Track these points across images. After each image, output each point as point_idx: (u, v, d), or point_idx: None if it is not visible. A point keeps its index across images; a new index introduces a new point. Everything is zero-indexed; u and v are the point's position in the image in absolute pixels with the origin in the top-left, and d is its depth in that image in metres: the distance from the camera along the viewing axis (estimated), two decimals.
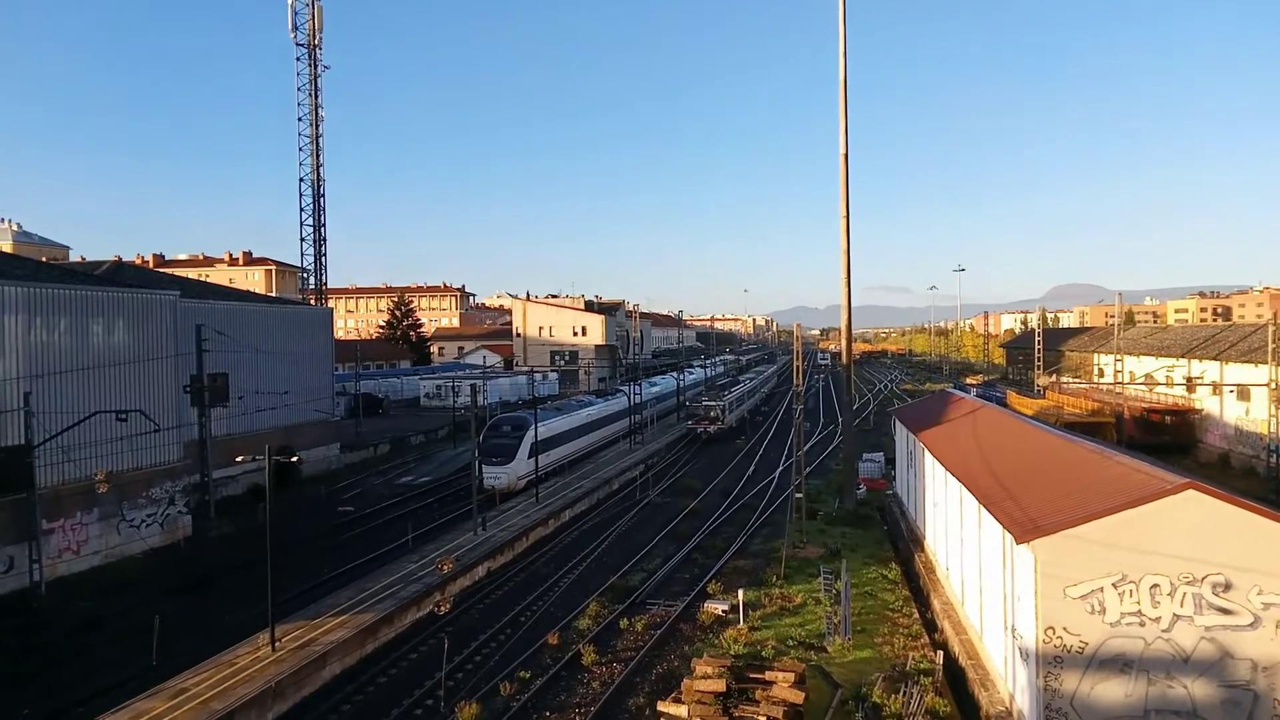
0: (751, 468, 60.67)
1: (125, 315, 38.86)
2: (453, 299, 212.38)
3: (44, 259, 67.33)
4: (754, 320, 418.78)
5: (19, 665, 26.58)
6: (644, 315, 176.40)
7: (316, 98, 72.58)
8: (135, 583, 34.78)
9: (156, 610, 28.59)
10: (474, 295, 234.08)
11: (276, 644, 25.42)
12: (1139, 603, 18.11)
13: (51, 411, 34.00)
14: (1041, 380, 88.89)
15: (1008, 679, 21.12)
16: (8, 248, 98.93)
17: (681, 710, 21.42)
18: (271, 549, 25.82)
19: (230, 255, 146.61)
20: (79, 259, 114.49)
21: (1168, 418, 64.40)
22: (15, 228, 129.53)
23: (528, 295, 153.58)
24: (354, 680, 25.45)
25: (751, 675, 23.10)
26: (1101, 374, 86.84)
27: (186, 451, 42.48)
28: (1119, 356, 72.41)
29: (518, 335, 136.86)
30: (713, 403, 75.89)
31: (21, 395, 33.15)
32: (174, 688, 22.81)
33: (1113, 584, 18.12)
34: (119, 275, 51.11)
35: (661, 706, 21.93)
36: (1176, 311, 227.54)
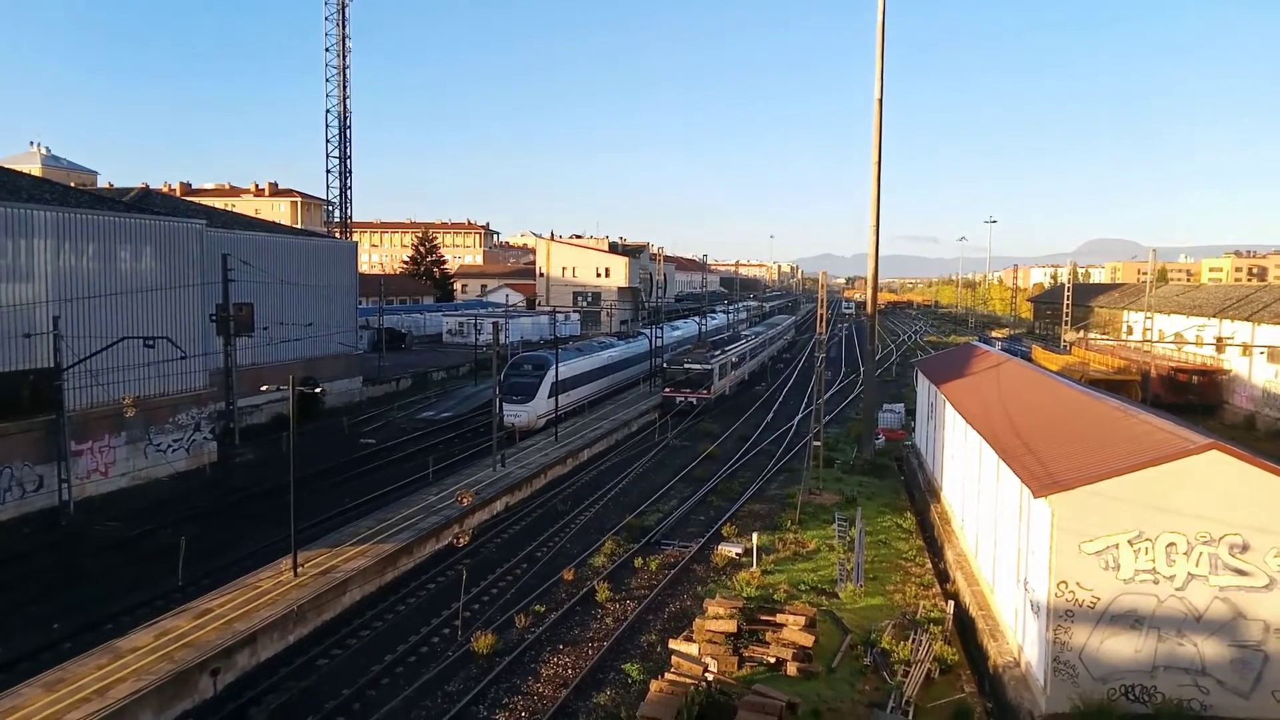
0: (770, 415, 60.75)
1: (153, 242, 39.07)
2: (477, 236, 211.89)
3: (72, 184, 67.64)
4: (779, 267, 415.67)
5: (49, 580, 27.38)
6: (668, 259, 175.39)
7: (344, 27, 71.81)
8: (161, 505, 35.56)
9: (182, 533, 29.26)
10: (498, 233, 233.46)
11: (298, 569, 25.98)
12: (1154, 560, 18.12)
13: (80, 336, 34.43)
14: (1068, 336, 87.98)
15: (1017, 631, 21.27)
16: (37, 171, 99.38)
17: (693, 649, 21.79)
18: (294, 477, 26.25)
19: (256, 186, 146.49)
20: (107, 185, 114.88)
21: (1195, 378, 63.68)
22: (44, 151, 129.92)
23: (552, 235, 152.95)
24: (373, 607, 26.03)
25: (763, 617, 23.44)
26: (1130, 331, 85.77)
27: (212, 379, 43.04)
28: (1149, 314, 71.45)
29: (541, 275, 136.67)
30: (697, 365, 59.76)
31: (50, 319, 33.58)
32: (199, 608, 23.43)
33: (1129, 541, 18.12)
34: (146, 202, 51.31)
35: (673, 644, 22.30)
36: (1210, 270, 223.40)
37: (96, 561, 29.24)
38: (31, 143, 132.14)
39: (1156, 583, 18.17)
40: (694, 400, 58.11)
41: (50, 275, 34.34)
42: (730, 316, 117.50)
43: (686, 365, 59.72)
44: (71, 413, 34.26)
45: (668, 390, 59.27)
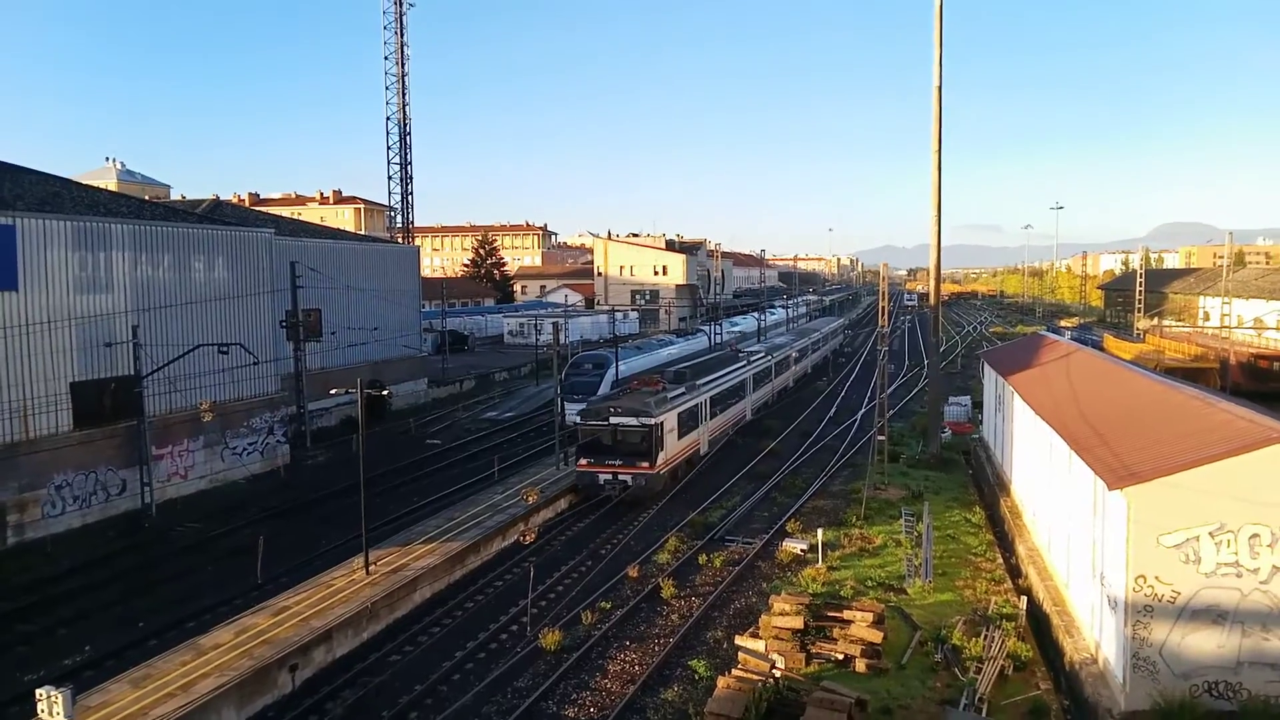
0: (833, 410, 60.13)
1: (224, 252, 40.27)
2: (535, 238, 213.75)
3: (147, 197, 69.98)
4: (838, 260, 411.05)
5: (133, 581, 28.43)
6: (725, 254, 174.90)
7: (402, 35, 72.98)
8: (238, 506, 36.67)
9: (258, 533, 30.11)
10: (556, 234, 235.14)
11: (370, 568, 26.55)
12: (1237, 553, 17.54)
13: (158, 344, 35.65)
14: (1141, 324, 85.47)
15: (1094, 627, 20.77)
16: (113, 186, 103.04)
17: (759, 645, 21.71)
18: (364, 478, 26.85)
19: (321, 194, 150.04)
20: (179, 197, 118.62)
21: (1276, 364, 61.31)
22: (119, 167, 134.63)
23: (609, 234, 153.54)
24: (443, 604, 26.46)
25: (829, 614, 23.25)
26: (1207, 317, 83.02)
27: (283, 384, 44.20)
28: (1227, 299, 69.07)
29: (599, 274, 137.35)
30: (629, 419, 35.97)
31: (130, 328, 34.83)
32: (276, 605, 24.10)
33: (1209, 533, 17.57)
34: (217, 213, 52.88)
35: (739, 640, 22.25)
36: None
37: (178, 562, 30.30)
38: (107, 158, 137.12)
39: (1240, 576, 17.59)
40: (626, 479, 35.82)
41: (129, 286, 35.62)
42: (789, 312, 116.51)
43: (613, 420, 36.22)
44: (151, 418, 35.49)
45: (583, 463, 36.53)
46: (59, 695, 15.49)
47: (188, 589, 27.63)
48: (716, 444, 45.77)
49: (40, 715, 15.67)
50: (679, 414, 39.03)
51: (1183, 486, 17.56)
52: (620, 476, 35.86)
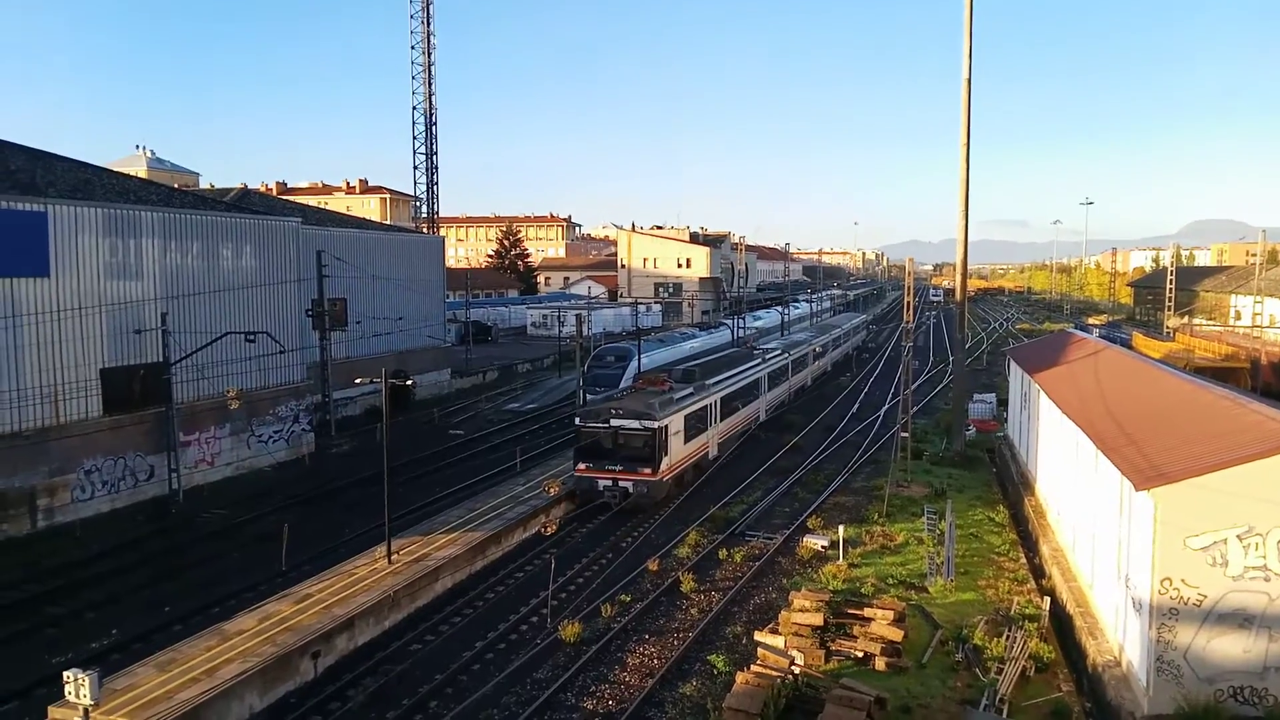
0: (856, 406, 59.84)
1: (252, 240, 40.59)
2: (559, 229, 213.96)
3: (176, 185, 70.67)
4: (863, 254, 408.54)
5: (160, 566, 28.80)
6: (749, 248, 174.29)
7: (429, 24, 73.23)
8: (263, 494, 37.05)
9: (283, 520, 30.42)
10: (580, 226, 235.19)
11: (392, 557, 26.74)
12: (1265, 557, 17.31)
13: (186, 331, 36.01)
14: (1171, 322, 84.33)
15: (1118, 629, 20.57)
16: (142, 174, 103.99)
17: (778, 641, 21.67)
18: (388, 467, 27.03)
19: (347, 184, 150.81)
20: (208, 185, 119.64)
21: None
22: (149, 155, 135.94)
23: (633, 226, 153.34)
24: (464, 595, 26.62)
25: (850, 611, 23.18)
26: (1239, 316, 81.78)
27: (309, 372, 44.56)
28: (1259, 298, 68.02)
29: (622, 266, 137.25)
30: (632, 421, 34.01)
31: (159, 315, 35.22)
32: (299, 593, 24.34)
33: (1237, 536, 17.34)
34: (245, 201, 53.35)
35: (759, 636, 22.23)
36: None
37: (204, 547, 30.67)
38: (137, 146, 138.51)
39: (1268, 580, 17.34)
40: (627, 486, 33.87)
41: (158, 273, 36.00)
42: (813, 306, 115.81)
43: (614, 422, 34.28)
44: (179, 405, 35.89)
45: (581, 467, 34.58)
46: (86, 677, 15.76)
47: (213, 575, 27.97)
48: (727, 447, 43.88)
49: (67, 697, 15.95)
50: (686, 416, 37.00)
51: (1211, 488, 17.34)
52: (621, 483, 33.92)
